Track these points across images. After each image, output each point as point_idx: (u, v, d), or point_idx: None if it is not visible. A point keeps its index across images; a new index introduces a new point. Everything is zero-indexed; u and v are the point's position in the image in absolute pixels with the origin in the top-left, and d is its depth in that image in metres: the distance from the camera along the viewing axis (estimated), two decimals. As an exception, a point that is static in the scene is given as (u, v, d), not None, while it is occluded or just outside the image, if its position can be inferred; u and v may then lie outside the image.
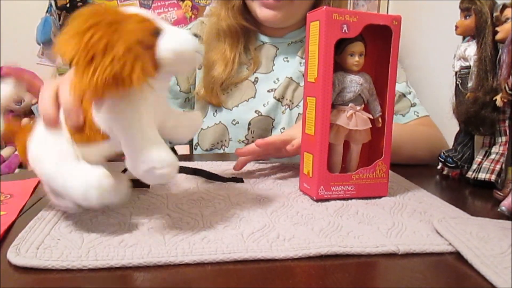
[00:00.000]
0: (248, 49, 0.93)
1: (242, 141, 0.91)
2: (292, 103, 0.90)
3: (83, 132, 0.41)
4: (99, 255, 0.36)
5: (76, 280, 0.34)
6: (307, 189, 0.55)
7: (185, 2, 2.13)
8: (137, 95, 0.38)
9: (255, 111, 0.90)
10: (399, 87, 0.89)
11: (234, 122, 0.91)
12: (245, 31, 0.92)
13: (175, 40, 0.40)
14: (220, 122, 0.92)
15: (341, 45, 0.52)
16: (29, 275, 0.34)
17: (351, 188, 0.54)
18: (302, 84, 0.90)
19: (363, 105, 0.55)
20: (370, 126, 0.55)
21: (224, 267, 0.36)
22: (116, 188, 0.40)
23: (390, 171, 0.57)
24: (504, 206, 0.53)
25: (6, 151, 1.88)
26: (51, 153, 0.42)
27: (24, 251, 0.37)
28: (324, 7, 0.50)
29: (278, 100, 0.90)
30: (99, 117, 0.40)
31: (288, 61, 0.94)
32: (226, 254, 0.37)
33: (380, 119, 0.56)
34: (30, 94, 1.88)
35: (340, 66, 0.54)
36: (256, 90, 0.91)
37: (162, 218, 0.46)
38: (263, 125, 0.90)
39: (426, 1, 1.16)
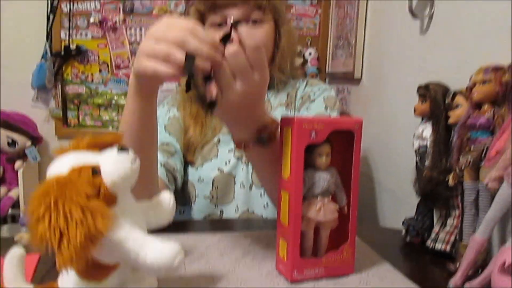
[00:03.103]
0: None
1: (207, 197, 1.01)
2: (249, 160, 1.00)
3: (99, 272, 0.47)
4: None
5: None
6: (283, 270, 0.62)
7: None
8: (116, 228, 0.44)
9: (218, 169, 1.00)
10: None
11: (199, 180, 1.01)
12: None
13: (114, 168, 0.45)
14: (188, 180, 1.02)
15: (311, 147, 0.60)
16: None
17: (322, 270, 0.61)
18: None
19: (330, 196, 0.62)
20: (337, 215, 0.63)
21: None
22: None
23: (357, 238, 0.64)
24: (451, 284, 0.61)
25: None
26: None
27: None
28: (295, 117, 0.57)
29: (238, 158, 1.01)
30: (102, 257, 0.46)
31: None
32: None
33: (345, 207, 0.64)
34: (23, 136, 1.94)
35: (310, 162, 0.62)
36: (218, 150, 1.02)
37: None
38: (226, 181, 1.01)
39: (393, 71, 1.25)
